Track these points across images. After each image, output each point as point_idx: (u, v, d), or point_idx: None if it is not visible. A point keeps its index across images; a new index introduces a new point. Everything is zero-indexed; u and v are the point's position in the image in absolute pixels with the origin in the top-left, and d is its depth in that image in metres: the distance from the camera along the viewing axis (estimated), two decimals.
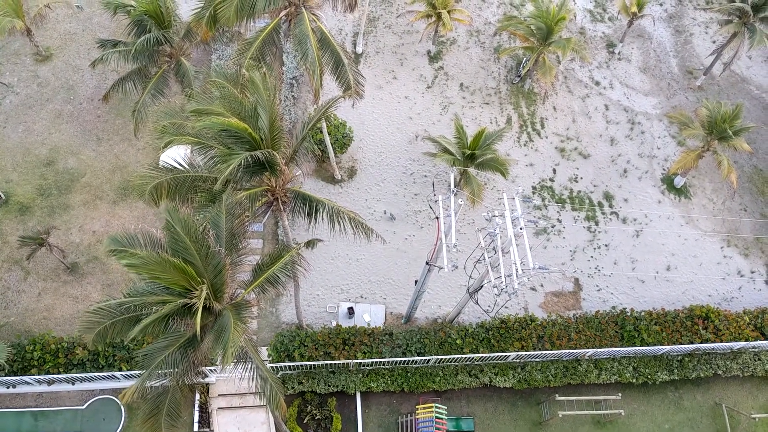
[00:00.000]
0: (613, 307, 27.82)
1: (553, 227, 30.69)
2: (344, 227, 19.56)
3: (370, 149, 32.28)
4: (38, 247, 26.16)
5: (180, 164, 19.29)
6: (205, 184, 18.79)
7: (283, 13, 23.00)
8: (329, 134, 29.37)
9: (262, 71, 18.50)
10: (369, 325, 26.54)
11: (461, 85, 34.84)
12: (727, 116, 28.58)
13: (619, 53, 36.87)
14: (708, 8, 38.70)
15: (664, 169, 32.94)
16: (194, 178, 18.93)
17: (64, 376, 24.02)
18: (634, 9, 34.23)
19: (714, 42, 37.29)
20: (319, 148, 29.56)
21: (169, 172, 19.16)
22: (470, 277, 23.23)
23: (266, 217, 20.60)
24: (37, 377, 23.89)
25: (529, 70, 33.70)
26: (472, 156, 28.61)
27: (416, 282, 23.99)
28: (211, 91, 19.80)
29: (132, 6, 25.65)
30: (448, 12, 32.78)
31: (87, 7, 35.52)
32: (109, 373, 24.18)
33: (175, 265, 15.16)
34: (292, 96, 33.23)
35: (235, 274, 17.63)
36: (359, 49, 35.40)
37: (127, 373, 24.15)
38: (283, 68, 33.80)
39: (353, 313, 27.54)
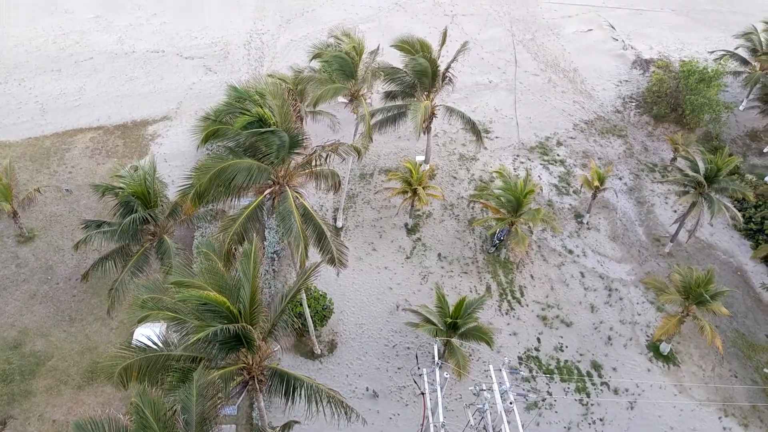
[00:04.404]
0: None
1: (543, 401, 29.32)
2: (323, 407, 18.39)
3: (351, 321, 31.75)
4: None
5: (154, 342, 18.58)
6: (178, 363, 17.93)
7: (268, 191, 24.05)
8: (309, 306, 29.04)
9: (254, 243, 18.76)
10: None
11: (439, 255, 35.62)
12: (701, 281, 29.19)
13: (587, 223, 38.63)
14: (664, 181, 41.72)
15: (647, 336, 32.64)
16: (167, 357, 18.11)
17: None
18: (596, 183, 36.70)
19: (675, 211, 39.50)
20: (299, 322, 29.00)
21: (141, 351, 18.39)
22: None
23: (241, 398, 19.43)
24: None
25: (502, 240, 34.82)
26: (455, 325, 28.20)
27: None
28: (191, 266, 19.80)
29: (121, 188, 26.67)
30: (423, 188, 34.77)
31: (76, 191, 36.87)
32: None
33: None
34: (273, 270, 33.46)
35: None
36: (339, 224, 36.62)
37: None
38: (265, 243, 34.46)
39: None
